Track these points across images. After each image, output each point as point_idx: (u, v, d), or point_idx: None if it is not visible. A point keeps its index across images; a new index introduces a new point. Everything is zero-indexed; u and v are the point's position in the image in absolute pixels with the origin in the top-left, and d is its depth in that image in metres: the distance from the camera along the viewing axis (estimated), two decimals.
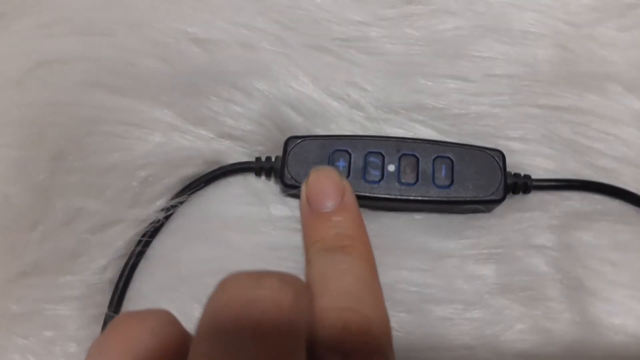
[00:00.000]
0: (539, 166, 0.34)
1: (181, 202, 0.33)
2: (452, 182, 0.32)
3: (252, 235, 0.33)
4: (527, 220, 0.33)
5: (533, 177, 0.33)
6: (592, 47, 0.36)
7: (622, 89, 0.36)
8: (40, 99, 0.35)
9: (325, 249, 0.26)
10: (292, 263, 0.32)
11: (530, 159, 0.34)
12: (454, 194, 0.32)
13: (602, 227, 0.33)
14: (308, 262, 0.26)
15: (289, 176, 0.32)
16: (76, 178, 0.33)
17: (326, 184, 0.28)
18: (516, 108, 0.35)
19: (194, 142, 0.34)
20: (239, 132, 0.35)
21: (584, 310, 0.32)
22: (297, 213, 0.34)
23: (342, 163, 0.32)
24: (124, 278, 0.31)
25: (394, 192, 0.32)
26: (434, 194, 0.32)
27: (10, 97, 0.35)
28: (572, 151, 0.35)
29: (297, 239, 0.33)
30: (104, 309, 0.31)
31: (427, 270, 0.32)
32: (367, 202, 0.33)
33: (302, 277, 0.22)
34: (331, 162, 0.32)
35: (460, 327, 0.31)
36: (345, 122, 0.36)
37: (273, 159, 0.34)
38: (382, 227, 0.34)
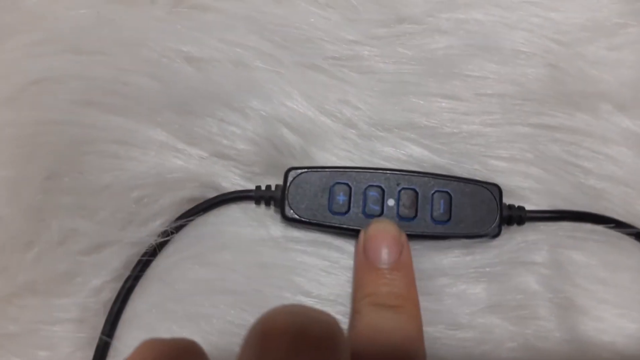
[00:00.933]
0: (529, 187, 0.34)
1: (178, 229, 0.33)
2: (449, 217, 0.32)
3: (249, 255, 0.33)
4: (518, 240, 0.33)
5: (523, 197, 0.34)
6: (583, 66, 0.36)
7: (613, 107, 0.36)
8: (32, 118, 0.35)
9: (376, 304, 0.28)
10: (284, 282, 0.33)
11: (520, 179, 0.34)
12: (451, 229, 0.32)
13: (591, 247, 0.33)
14: (357, 311, 0.28)
15: (290, 209, 0.33)
16: (70, 199, 0.33)
17: (386, 239, 0.29)
18: (507, 127, 0.35)
19: (188, 163, 0.34)
20: (234, 152, 0.35)
21: (574, 329, 0.32)
22: (294, 234, 0.34)
23: (342, 197, 0.33)
24: (119, 302, 0.31)
25: None
26: (432, 229, 0.32)
27: (2, 115, 0.35)
28: (562, 170, 0.35)
29: (291, 256, 0.33)
30: (99, 331, 0.31)
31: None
32: None
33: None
34: (332, 195, 0.33)
35: (450, 347, 0.31)
36: (339, 140, 0.36)
37: (273, 187, 0.34)
38: None
